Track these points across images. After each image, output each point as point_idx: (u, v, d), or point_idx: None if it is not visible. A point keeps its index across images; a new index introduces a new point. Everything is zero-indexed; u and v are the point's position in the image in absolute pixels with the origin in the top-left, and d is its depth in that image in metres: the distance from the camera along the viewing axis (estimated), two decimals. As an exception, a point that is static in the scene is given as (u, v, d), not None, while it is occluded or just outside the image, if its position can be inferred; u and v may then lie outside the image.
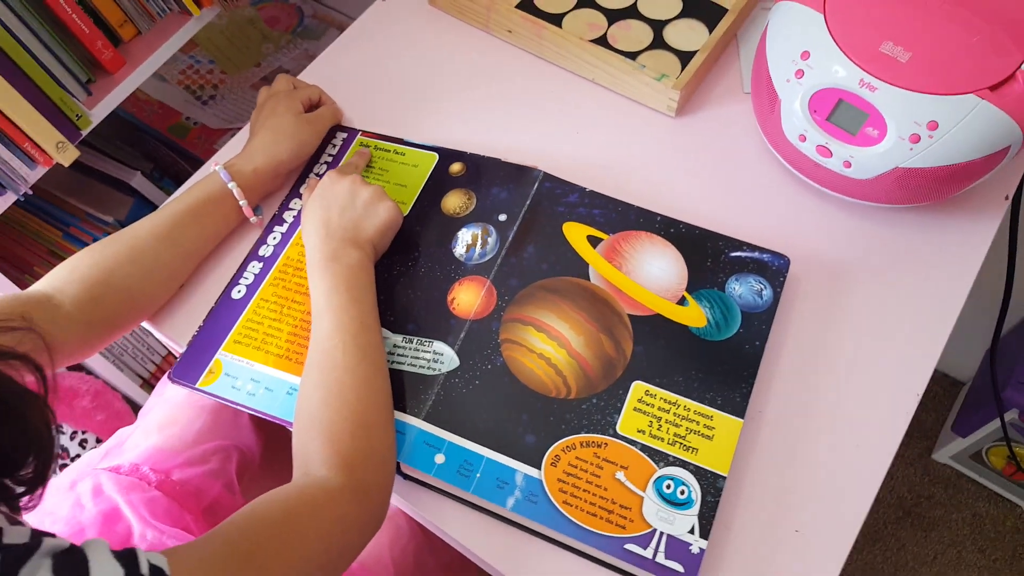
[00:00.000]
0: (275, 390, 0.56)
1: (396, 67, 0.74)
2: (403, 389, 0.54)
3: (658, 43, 0.72)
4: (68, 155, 0.72)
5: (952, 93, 0.52)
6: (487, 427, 0.52)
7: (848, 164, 0.57)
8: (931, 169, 0.55)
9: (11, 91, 0.65)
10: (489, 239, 0.60)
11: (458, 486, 0.51)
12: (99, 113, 0.77)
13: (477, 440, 0.52)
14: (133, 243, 0.59)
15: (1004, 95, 0.52)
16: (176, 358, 0.59)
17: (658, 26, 0.73)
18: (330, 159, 0.68)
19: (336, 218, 0.57)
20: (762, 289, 0.56)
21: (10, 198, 0.72)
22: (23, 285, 0.84)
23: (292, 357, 0.57)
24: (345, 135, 0.69)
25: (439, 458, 0.51)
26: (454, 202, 0.62)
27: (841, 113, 0.56)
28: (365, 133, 0.69)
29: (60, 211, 0.94)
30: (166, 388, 0.69)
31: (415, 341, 0.56)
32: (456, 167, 0.64)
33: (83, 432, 1.07)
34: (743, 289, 0.56)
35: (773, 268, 0.57)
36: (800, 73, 0.57)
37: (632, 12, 0.75)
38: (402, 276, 0.59)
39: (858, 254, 0.61)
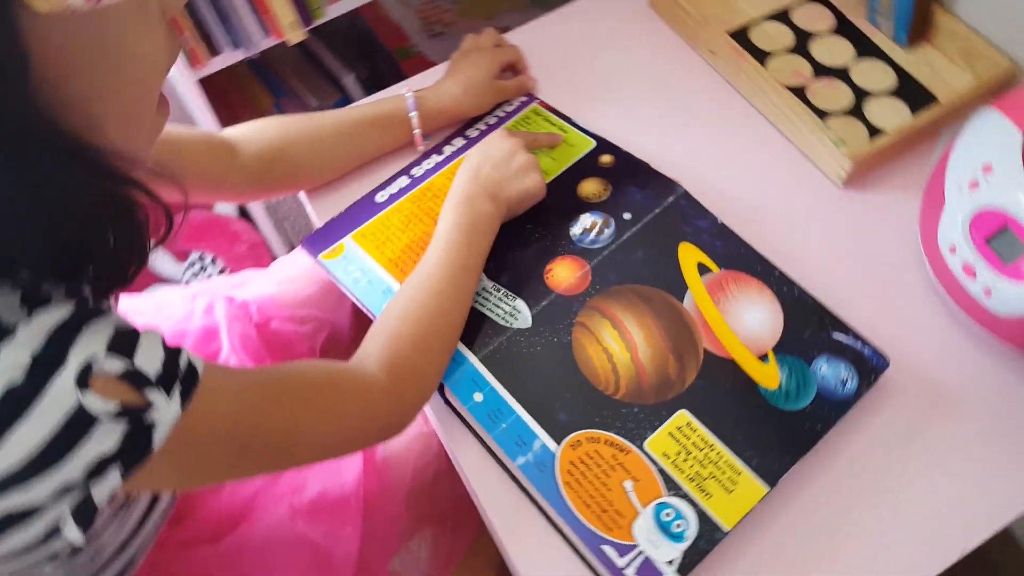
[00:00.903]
0: (375, 286, 0.62)
1: (592, 51, 0.78)
2: (476, 327, 0.58)
3: (856, 112, 0.70)
4: (295, 35, 0.82)
5: None
6: (529, 389, 0.55)
7: (988, 293, 0.53)
8: (1077, 327, 0.50)
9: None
10: (606, 230, 0.62)
11: (483, 427, 0.54)
12: (334, 11, 0.86)
13: (516, 396, 0.55)
14: (316, 128, 0.67)
15: None
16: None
17: (862, 95, 0.71)
18: (503, 115, 0.72)
19: (487, 170, 0.61)
20: (848, 380, 0.55)
21: (239, 55, 0.83)
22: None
23: (400, 265, 0.62)
24: (524, 98, 0.74)
25: (478, 396, 0.55)
26: (591, 188, 0.65)
27: (1002, 239, 0.52)
28: (542, 103, 0.73)
29: (278, 82, 1.07)
30: (298, 254, 0.78)
31: (502, 291, 0.60)
32: (606, 158, 0.67)
33: (230, 271, 1.21)
34: (829, 372, 0.55)
35: (869, 364, 0.55)
36: (975, 184, 0.54)
37: (843, 74, 0.73)
38: (516, 232, 0.63)
39: (967, 390, 0.57)
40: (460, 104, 0.69)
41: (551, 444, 0.53)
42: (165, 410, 0.36)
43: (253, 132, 0.65)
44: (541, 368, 0.56)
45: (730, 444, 0.53)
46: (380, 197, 0.67)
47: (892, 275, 0.62)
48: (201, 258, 1.28)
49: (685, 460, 0.52)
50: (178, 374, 0.38)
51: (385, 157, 0.71)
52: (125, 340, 0.36)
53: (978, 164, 0.54)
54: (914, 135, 0.67)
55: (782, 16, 0.78)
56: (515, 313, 0.58)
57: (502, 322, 0.58)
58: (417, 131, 0.68)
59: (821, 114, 0.70)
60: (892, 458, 0.54)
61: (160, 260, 1.30)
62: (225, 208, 1.32)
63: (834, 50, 0.75)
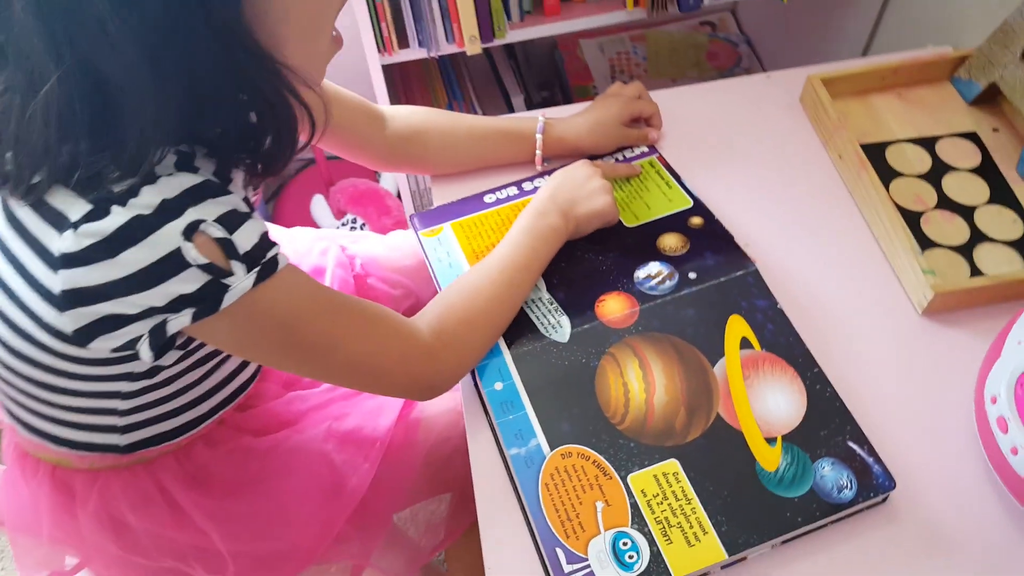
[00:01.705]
0: (453, 269, 0.69)
1: (731, 124, 0.82)
2: (519, 326, 0.64)
3: (966, 250, 0.70)
4: (473, 48, 0.92)
5: None
6: (544, 394, 0.60)
7: (1015, 451, 0.52)
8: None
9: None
10: (668, 282, 0.66)
11: (494, 412, 0.60)
12: (514, 36, 0.96)
13: (530, 395, 0.60)
14: (454, 125, 0.77)
15: None
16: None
17: (980, 238, 0.70)
18: (620, 158, 0.78)
19: (564, 190, 0.68)
20: (847, 488, 0.55)
21: (422, 53, 0.95)
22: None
23: (480, 260, 0.70)
24: (647, 149, 0.79)
25: (498, 385, 0.61)
26: (671, 241, 0.69)
27: (1046, 402, 0.51)
28: (660, 157, 0.78)
29: (457, 85, 1.19)
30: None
31: (553, 304, 0.65)
32: (696, 220, 0.71)
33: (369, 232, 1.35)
34: (830, 474, 0.55)
35: (873, 481, 0.55)
36: (1035, 342, 0.53)
37: (967, 212, 0.72)
38: (588, 258, 0.68)
39: (969, 540, 0.55)
40: (581, 139, 0.76)
41: (545, 447, 0.58)
42: (240, 280, 0.46)
43: (402, 112, 0.76)
44: (561, 380, 0.61)
45: (706, 504, 0.55)
46: (488, 198, 0.75)
47: (938, 409, 0.61)
48: (354, 220, 1.43)
49: (660, 503, 0.55)
50: (262, 259, 0.48)
51: (506, 167, 0.79)
52: (234, 218, 0.47)
53: (1045, 324, 0.53)
54: (1009, 287, 0.65)
55: (928, 143, 0.78)
56: (557, 326, 0.64)
57: (543, 330, 0.64)
58: (539, 152, 0.76)
59: (929, 243, 0.70)
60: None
61: (320, 211, 1.47)
62: (387, 184, 1.47)
63: (968, 188, 0.74)
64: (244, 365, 0.67)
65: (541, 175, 0.77)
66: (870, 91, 0.83)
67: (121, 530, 0.64)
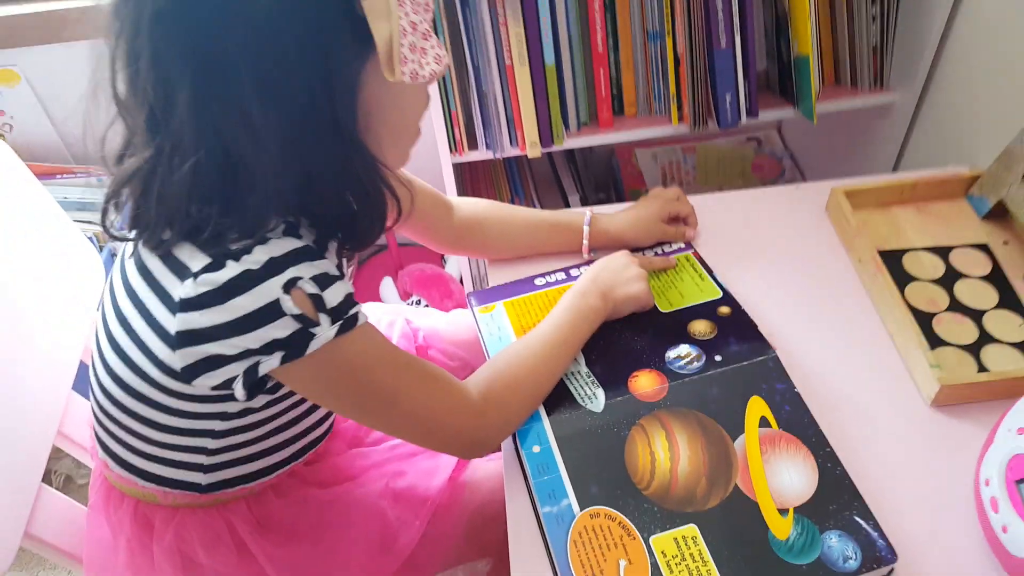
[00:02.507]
0: (502, 342, 0.78)
1: (761, 227, 0.91)
2: (558, 396, 0.72)
3: (974, 350, 0.75)
4: (533, 152, 1.04)
5: None
6: (577, 458, 0.67)
7: (1005, 529, 0.57)
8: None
9: (529, 92, 0.99)
10: (696, 363, 0.73)
11: (531, 472, 0.67)
12: (571, 143, 1.08)
13: (564, 458, 0.67)
14: (512, 216, 0.88)
15: None
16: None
17: (988, 339, 0.76)
18: (660, 252, 0.87)
19: (605, 275, 0.77)
20: (852, 559, 0.60)
21: (488, 155, 1.08)
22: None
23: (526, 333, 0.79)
24: (683, 245, 0.88)
25: (536, 448, 0.68)
26: (700, 327, 0.77)
27: (1033, 486, 0.56)
28: (695, 253, 0.87)
29: (520, 184, 1.32)
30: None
31: (590, 377, 0.73)
32: (724, 309, 0.79)
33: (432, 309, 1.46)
34: (837, 545, 0.61)
35: (877, 553, 0.60)
36: (1022, 431, 0.58)
37: (976, 316, 0.78)
38: (624, 337, 0.77)
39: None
40: (624, 232, 0.86)
41: (575, 507, 0.64)
42: (324, 330, 0.56)
43: (467, 203, 0.87)
44: (594, 447, 0.68)
45: (721, 567, 0.60)
46: (539, 281, 0.85)
47: (942, 492, 0.66)
48: (418, 301, 1.54)
49: (678, 564, 0.61)
50: (345, 314, 0.58)
51: (556, 255, 0.88)
52: (325, 279, 0.57)
53: (1036, 414, 0.59)
54: (1011, 383, 0.70)
55: (942, 251, 0.85)
56: (593, 397, 0.71)
57: (580, 400, 0.71)
58: (585, 242, 0.86)
59: (940, 342, 0.76)
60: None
61: (388, 292, 1.59)
62: (451, 270, 1.59)
63: (978, 294, 0.81)
64: (320, 423, 0.76)
65: (587, 263, 0.86)
66: (891, 203, 0.91)
67: (191, 566, 0.73)
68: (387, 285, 1.59)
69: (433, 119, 1.04)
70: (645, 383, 0.72)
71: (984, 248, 0.85)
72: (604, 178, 1.57)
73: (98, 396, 0.68)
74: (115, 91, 0.54)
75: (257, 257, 0.54)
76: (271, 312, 0.54)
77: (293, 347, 0.55)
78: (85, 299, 0.89)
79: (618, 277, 0.77)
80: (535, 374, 0.70)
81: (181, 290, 0.55)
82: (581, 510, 0.64)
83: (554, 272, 0.86)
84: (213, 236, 0.54)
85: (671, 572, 0.60)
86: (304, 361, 0.56)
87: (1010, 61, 0.93)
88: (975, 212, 0.89)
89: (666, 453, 0.67)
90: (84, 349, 0.87)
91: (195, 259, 0.55)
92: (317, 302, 0.56)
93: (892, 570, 0.61)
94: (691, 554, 0.61)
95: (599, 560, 0.61)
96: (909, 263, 0.84)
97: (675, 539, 0.62)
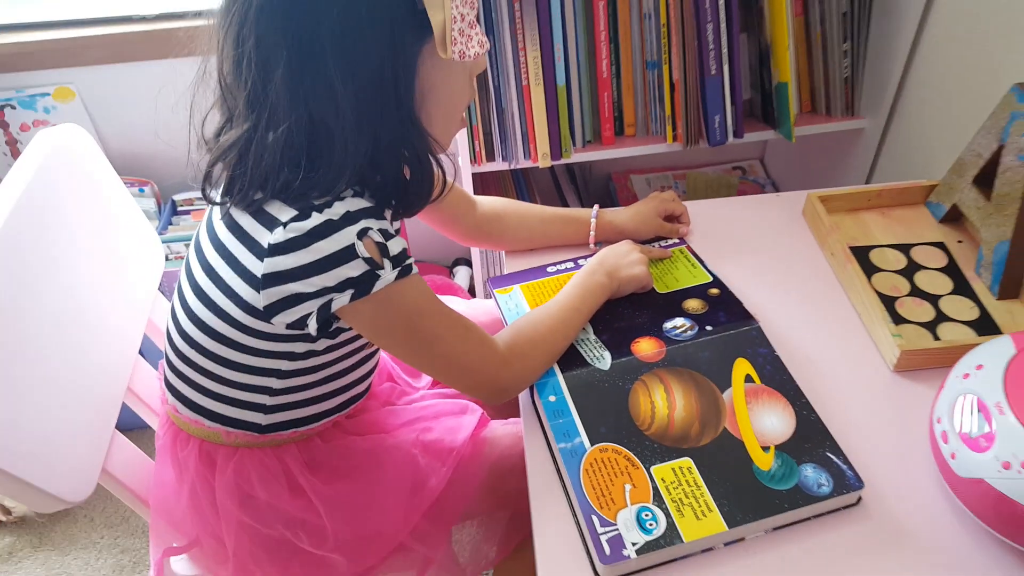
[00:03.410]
0: (518, 313, 0.89)
1: (744, 228, 1.03)
2: (571, 357, 0.82)
3: (931, 327, 0.87)
4: (544, 162, 1.17)
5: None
6: (587, 405, 0.77)
7: (953, 455, 0.67)
8: (1010, 500, 0.62)
9: (543, 110, 1.12)
10: (690, 332, 0.84)
11: (547, 417, 0.77)
12: (577, 157, 1.21)
13: (576, 405, 0.77)
14: (527, 211, 0.99)
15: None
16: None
17: (943, 318, 0.88)
18: (656, 244, 0.99)
19: (610, 258, 0.89)
20: (824, 485, 0.70)
21: (504, 165, 1.20)
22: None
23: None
24: (678, 240, 1.00)
25: (552, 398, 0.79)
26: (693, 304, 0.88)
27: (969, 416, 0.67)
28: (688, 247, 0.98)
29: (527, 192, 1.45)
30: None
31: (598, 343, 0.84)
32: (714, 291, 0.90)
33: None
34: (812, 474, 0.71)
35: (846, 480, 0.70)
36: (967, 375, 0.69)
37: (934, 300, 0.90)
38: (628, 312, 0.88)
39: (923, 535, 0.68)
40: (626, 224, 0.98)
41: (587, 443, 0.74)
42: (387, 273, 0.67)
43: (489, 200, 0.99)
44: (602, 397, 0.78)
45: (713, 490, 0.70)
46: (551, 269, 0.96)
47: (902, 435, 0.76)
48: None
49: (676, 488, 0.71)
50: (403, 262, 0.68)
51: (566, 248, 1.00)
52: (388, 233, 0.68)
53: (975, 362, 0.70)
54: (961, 350, 0.81)
55: (904, 248, 0.97)
56: (600, 358, 0.82)
57: (589, 360, 0.82)
58: (592, 233, 0.97)
59: (902, 320, 0.88)
60: (839, 563, 0.68)
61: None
62: (460, 280, 1.70)
63: (935, 282, 0.93)
64: (362, 379, 0.86)
65: (592, 254, 0.98)
66: (859, 209, 1.04)
67: (247, 499, 0.82)
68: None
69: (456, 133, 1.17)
70: (646, 347, 0.83)
71: (941, 246, 0.98)
72: (602, 199, 1.70)
73: (177, 343, 0.78)
74: (221, 75, 0.65)
75: (336, 210, 0.65)
76: (347, 255, 0.65)
77: (362, 286, 0.66)
78: (150, 279, 1.00)
79: (622, 260, 0.89)
80: (552, 333, 0.81)
81: (271, 237, 0.65)
82: (591, 445, 0.74)
83: (564, 262, 0.98)
84: (299, 193, 0.65)
85: (669, 494, 0.70)
86: (369, 300, 0.67)
87: (964, 89, 1.07)
88: (933, 217, 1.02)
89: (664, 401, 0.77)
90: (147, 322, 0.97)
91: (284, 212, 0.66)
92: (383, 249, 0.67)
93: (860, 497, 0.71)
94: (687, 480, 0.71)
95: (608, 485, 0.71)
96: (875, 257, 0.96)
97: (673, 469, 0.72)
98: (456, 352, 0.74)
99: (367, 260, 0.66)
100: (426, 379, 1.03)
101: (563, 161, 1.20)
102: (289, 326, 0.70)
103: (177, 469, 0.84)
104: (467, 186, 1.22)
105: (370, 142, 0.66)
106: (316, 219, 0.65)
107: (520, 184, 1.45)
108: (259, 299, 0.68)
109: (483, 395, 0.80)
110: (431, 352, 0.74)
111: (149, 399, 0.94)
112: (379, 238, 0.67)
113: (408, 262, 0.69)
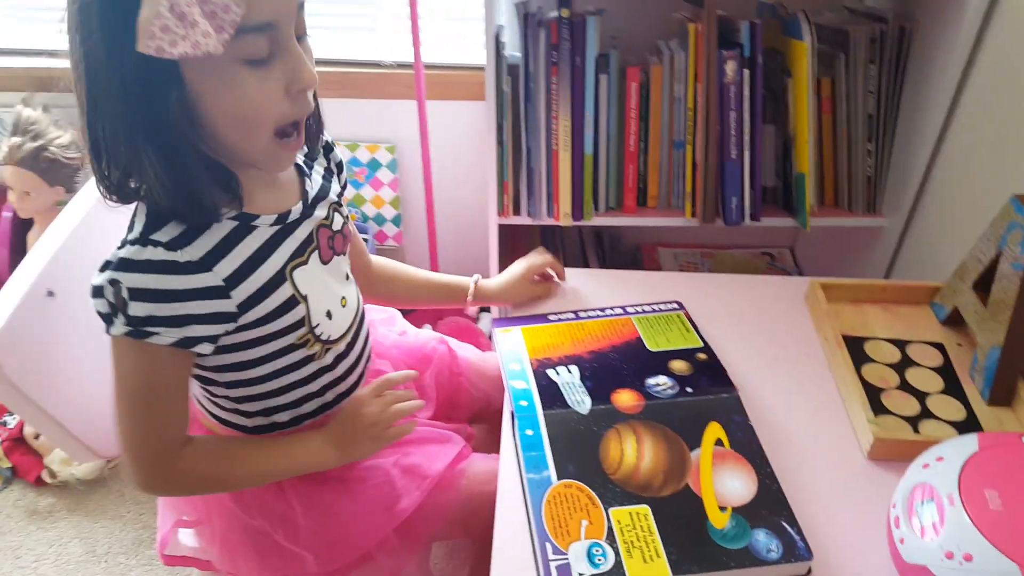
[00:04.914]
0: (514, 355, 0.94)
1: (745, 301, 1.07)
2: (554, 398, 0.86)
3: (914, 422, 0.88)
4: (566, 221, 1.23)
5: (1004, 553, 0.61)
6: (560, 443, 0.81)
7: (902, 541, 0.68)
8: (949, 589, 0.63)
9: (568, 174, 1.20)
10: (669, 390, 0.88)
11: (522, 447, 0.81)
12: (598, 221, 1.27)
13: (550, 442, 0.81)
14: (413, 279, 1.09)
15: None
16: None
17: (927, 415, 0.89)
18: (648, 308, 1.03)
19: (351, 431, 0.86)
20: (774, 551, 0.72)
21: (529, 220, 1.27)
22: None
23: (535, 354, 0.94)
24: (675, 304, 1.04)
25: (529, 431, 0.83)
26: (679, 366, 0.92)
27: (925, 507, 0.68)
28: (686, 313, 1.02)
29: (552, 248, 1.51)
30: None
31: (582, 388, 0.88)
32: (702, 356, 0.94)
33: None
34: (763, 539, 0.73)
35: (795, 550, 0.72)
36: (927, 465, 0.71)
37: (921, 397, 0.91)
38: (614, 363, 0.92)
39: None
40: (498, 295, 1.07)
41: (554, 476, 0.78)
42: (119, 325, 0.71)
43: (383, 262, 1.08)
44: (575, 438, 0.82)
45: (664, 538, 0.72)
46: (552, 317, 1.01)
47: (861, 515, 0.77)
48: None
49: (630, 530, 0.73)
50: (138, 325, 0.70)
51: (558, 301, 1.05)
52: (136, 292, 0.70)
53: (937, 455, 0.71)
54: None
55: (901, 344, 0.99)
56: (581, 403, 0.86)
57: (570, 403, 0.86)
58: (470, 298, 1.07)
59: (884, 411, 0.89)
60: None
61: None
62: (483, 327, 1.76)
63: (927, 380, 0.94)
64: (330, 386, 0.90)
65: (591, 310, 1.03)
66: (863, 301, 1.06)
67: (239, 495, 0.87)
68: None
69: (489, 185, 1.25)
70: (625, 399, 0.87)
71: (939, 346, 0.99)
72: (627, 267, 1.75)
73: None
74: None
75: (117, 252, 0.72)
76: (96, 292, 0.72)
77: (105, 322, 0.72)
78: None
79: (363, 433, 0.86)
80: (234, 480, 0.84)
81: None
82: (558, 480, 0.78)
83: (565, 312, 1.03)
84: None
85: (623, 535, 0.73)
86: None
87: (980, 196, 1.10)
88: (936, 318, 1.04)
89: (634, 451, 0.81)
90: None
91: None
92: (121, 304, 0.71)
93: (810, 569, 0.72)
94: (640, 525, 0.74)
95: (567, 518, 0.74)
96: (870, 348, 0.98)
97: (630, 513, 0.75)
98: (122, 431, 0.77)
99: (110, 304, 0.70)
100: (429, 409, 1.07)
101: (584, 223, 1.26)
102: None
103: None
104: (493, 236, 1.29)
105: (128, 146, 0.66)
106: (111, 253, 0.71)
107: (546, 240, 1.51)
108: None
109: (128, 473, 0.79)
110: (116, 409, 0.76)
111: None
112: (124, 294, 0.69)
113: (143, 327, 0.70)
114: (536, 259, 1.08)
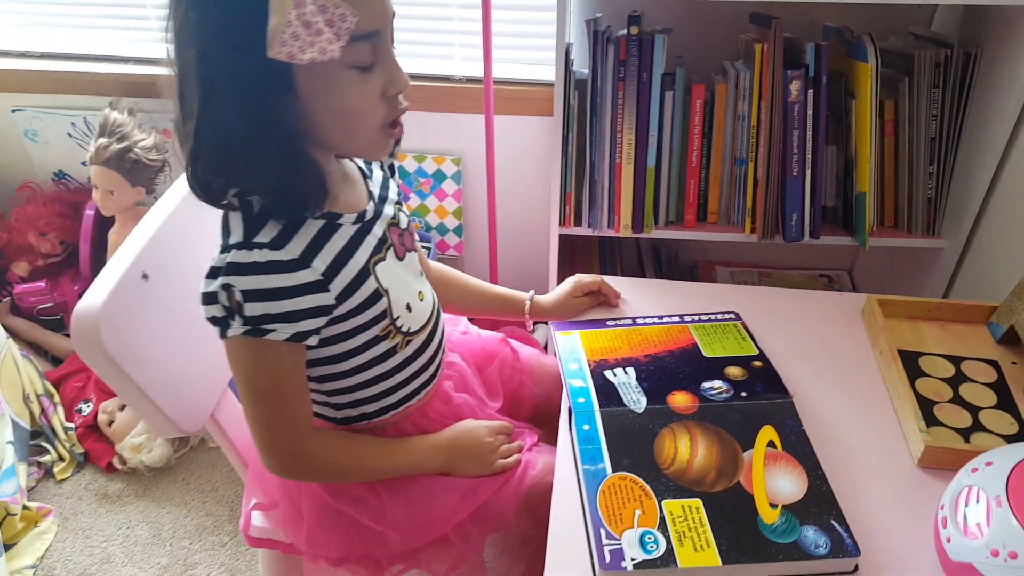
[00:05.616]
0: (572, 355, 0.98)
1: (802, 316, 1.09)
2: (611, 397, 0.91)
3: (966, 434, 0.89)
4: (625, 232, 1.28)
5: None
6: (616, 438, 0.85)
7: (949, 540, 0.70)
8: (996, 587, 0.65)
9: (630, 187, 1.24)
10: (724, 394, 0.91)
11: (578, 440, 0.85)
12: (657, 234, 1.31)
13: (606, 435, 0.86)
14: (473, 288, 1.13)
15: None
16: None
17: (979, 428, 0.90)
18: (705, 317, 1.07)
19: (464, 448, 0.96)
20: (822, 547, 0.74)
21: (588, 231, 1.32)
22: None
23: (593, 356, 0.99)
24: (732, 314, 1.07)
25: (586, 426, 0.87)
26: (734, 371, 0.95)
27: (973, 508, 0.70)
28: (742, 323, 1.05)
29: (608, 259, 1.55)
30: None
31: (638, 389, 0.92)
32: (758, 363, 0.97)
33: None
34: (811, 535, 0.75)
35: (843, 547, 0.74)
36: (976, 470, 0.73)
37: (974, 411, 0.93)
38: (673, 365, 0.96)
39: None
40: (550, 311, 1.11)
41: (609, 469, 0.82)
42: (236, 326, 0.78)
43: (441, 269, 1.13)
44: (630, 434, 0.86)
45: (715, 529, 0.76)
46: (609, 322, 1.06)
47: (912, 521, 0.79)
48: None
49: (682, 521, 0.77)
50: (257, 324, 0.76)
51: (615, 308, 1.10)
52: (250, 293, 0.75)
53: (987, 459, 0.73)
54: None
55: (955, 360, 1.01)
56: (637, 402, 0.90)
57: (627, 402, 0.90)
58: (527, 315, 1.12)
59: (937, 423, 0.91)
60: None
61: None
62: (539, 336, 1.80)
63: (980, 395, 0.95)
64: (414, 377, 0.96)
65: (647, 317, 1.07)
66: (918, 318, 1.08)
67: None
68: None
69: (552, 195, 1.30)
70: (681, 400, 0.91)
71: (994, 364, 1.00)
72: (684, 274, 1.78)
73: None
74: None
75: (223, 256, 0.77)
76: (208, 299, 0.78)
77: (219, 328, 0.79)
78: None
79: (473, 453, 0.95)
80: (355, 471, 0.92)
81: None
82: (612, 472, 0.82)
83: (624, 318, 1.07)
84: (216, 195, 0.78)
85: (674, 525, 0.76)
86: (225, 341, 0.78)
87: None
88: (992, 337, 1.05)
89: (687, 448, 0.84)
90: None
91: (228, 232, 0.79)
92: (238, 307, 0.76)
93: (857, 566, 0.75)
94: (692, 517, 0.77)
95: (620, 507, 0.78)
96: (924, 363, 1.00)
97: (682, 505, 0.78)
98: (256, 429, 0.83)
99: (225, 307, 0.74)
100: (498, 401, 1.12)
101: (643, 235, 1.30)
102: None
103: None
104: (553, 245, 1.34)
105: (241, 148, 0.71)
106: (215, 259, 0.75)
107: (604, 252, 1.56)
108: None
109: (263, 462, 0.86)
110: (245, 407, 0.82)
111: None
112: (238, 296, 0.73)
113: (260, 326, 0.75)
114: (584, 277, 1.13)
